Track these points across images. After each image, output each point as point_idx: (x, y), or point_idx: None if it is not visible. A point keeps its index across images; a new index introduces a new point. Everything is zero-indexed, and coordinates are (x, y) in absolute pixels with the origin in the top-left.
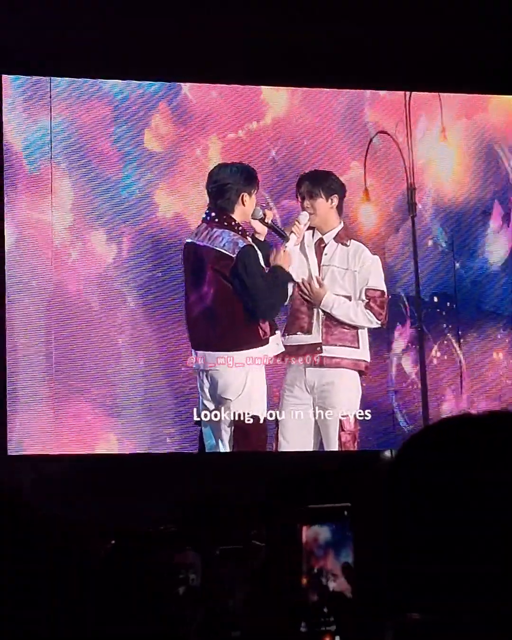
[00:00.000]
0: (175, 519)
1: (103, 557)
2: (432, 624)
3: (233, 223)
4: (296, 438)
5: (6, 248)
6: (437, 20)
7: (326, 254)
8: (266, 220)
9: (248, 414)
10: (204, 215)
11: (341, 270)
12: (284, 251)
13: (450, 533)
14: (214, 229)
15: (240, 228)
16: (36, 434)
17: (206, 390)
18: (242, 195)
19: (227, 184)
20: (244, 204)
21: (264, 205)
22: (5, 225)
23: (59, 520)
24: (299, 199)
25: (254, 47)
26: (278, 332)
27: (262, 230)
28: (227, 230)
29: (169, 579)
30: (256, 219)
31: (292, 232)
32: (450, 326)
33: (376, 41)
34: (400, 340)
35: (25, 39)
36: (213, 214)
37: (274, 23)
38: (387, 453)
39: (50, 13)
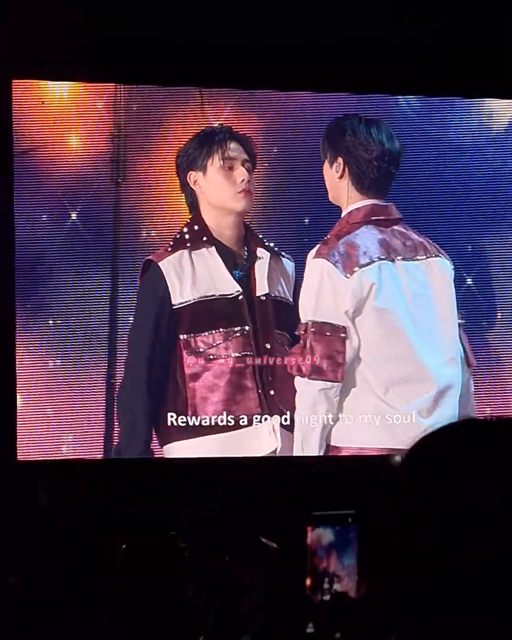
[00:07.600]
0: (185, 524)
1: (117, 561)
2: (436, 625)
3: None
4: None
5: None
6: None
7: None
8: None
9: None
10: None
11: None
12: None
13: (458, 540)
14: None
15: None
16: (46, 439)
17: None
18: None
19: None
20: None
21: None
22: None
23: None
24: None
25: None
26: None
27: None
28: None
29: (177, 581)
30: None
31: None
32: None
33: None
34: None
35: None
36: None
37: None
38: (397, 458)
39: None
